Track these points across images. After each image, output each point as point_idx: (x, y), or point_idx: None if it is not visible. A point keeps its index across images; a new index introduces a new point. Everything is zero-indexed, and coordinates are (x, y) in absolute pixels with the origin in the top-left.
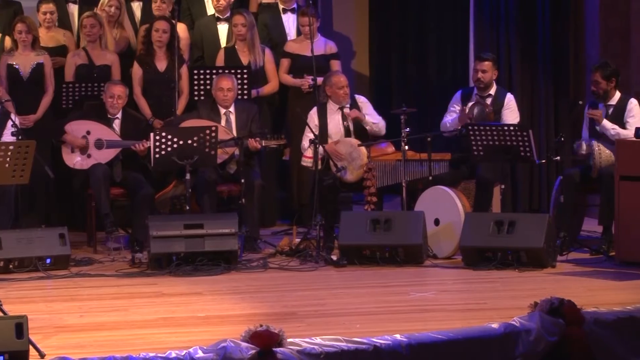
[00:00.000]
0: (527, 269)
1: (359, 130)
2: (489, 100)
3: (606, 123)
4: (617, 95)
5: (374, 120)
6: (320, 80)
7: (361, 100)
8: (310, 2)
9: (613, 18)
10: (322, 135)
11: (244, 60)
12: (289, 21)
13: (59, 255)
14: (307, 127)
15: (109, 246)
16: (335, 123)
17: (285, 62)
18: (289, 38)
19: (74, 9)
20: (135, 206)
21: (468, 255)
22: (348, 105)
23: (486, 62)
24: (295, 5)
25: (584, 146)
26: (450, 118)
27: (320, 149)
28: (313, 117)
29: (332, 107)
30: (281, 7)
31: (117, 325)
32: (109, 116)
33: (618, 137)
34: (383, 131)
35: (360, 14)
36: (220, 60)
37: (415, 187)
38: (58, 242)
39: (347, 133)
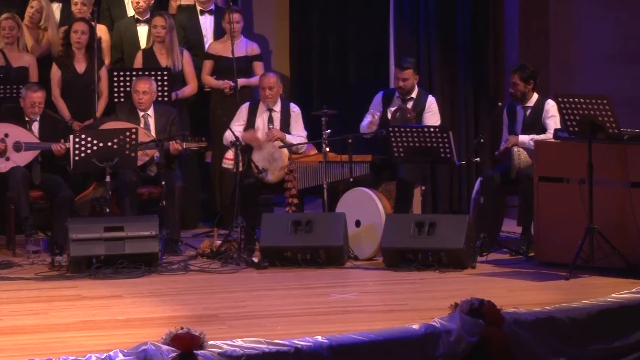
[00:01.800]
0: (447, 269)
1: None
2: (410, 103)
3: (522, 138)
4: (535, 97)
5: (294, 141)
6: (241, 82)
7: (294, 110)
8: (230, 3)
9: (532, 20)
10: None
11: (162, 62)
12: (206, 23)
13: None
14: (229, 127)
15: (28, 249)
16: (262, 123)
17: (208, 64)
18: (205, 40)
19: None
20: (54, 209)
21: (389, 256)
22: (278, 110)
23: (407, 71)
24: (212, 7)
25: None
26: (366, 121)
27: (238, 134)
28: (243, 111)
29: (262, 106)
30: (199, 8)
31: (37, 328)
32: (27, 119)
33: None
34: (301, 151)
35: (280, 16)
36: (138, 62)
37: (337, 189)
38: None
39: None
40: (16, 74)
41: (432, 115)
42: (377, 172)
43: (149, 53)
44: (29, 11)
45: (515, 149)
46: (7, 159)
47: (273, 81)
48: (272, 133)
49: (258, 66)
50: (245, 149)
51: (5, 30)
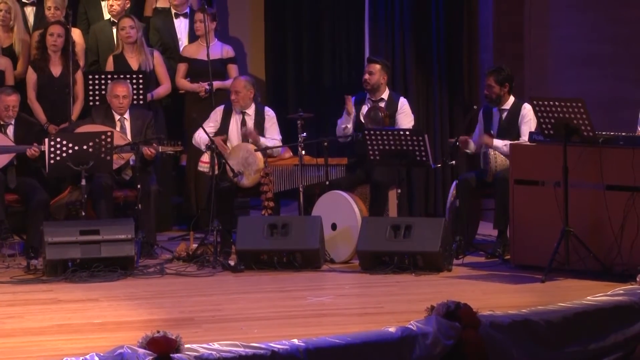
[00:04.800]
0: (423, 272)
1: None
2: (382, 104)
3: (497, 142)
4: (511, 99)
5: (268, 143)
6: (216, 84)
7: (268, 114)
8: (205, 5)
9: (506, 22)
10: (221, 134)
11: (133, 65)
12: (181, 26)
13: None
14: (202, 127)
15: (3, 253)
16: (235, 126)
17: (182, 67)
18: (180, 43)
19: None
20: (30, 212)
21: (365, 259)
22: (251, 114)
23: (373, 65)
24: (187, 10)
25: (471, 145)
26: (342, 118)
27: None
28: (218, 113)
29: (236, 110)
30: (173, 11)
31: (12, 332)
32: (2, 122)
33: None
34: (276, 155)
35: (255, 18)
36: (109, 67)
37: (312, 192)
38: None
39: (244, 138)
40: None
41: (405, 116)
42: (352, 174)
43: (119, 57)
44: None
45: (492, 152)
46: None
47: (240, 85)
48: (250, 132)
49: (233, 69)
50: (220, 153)
51: None
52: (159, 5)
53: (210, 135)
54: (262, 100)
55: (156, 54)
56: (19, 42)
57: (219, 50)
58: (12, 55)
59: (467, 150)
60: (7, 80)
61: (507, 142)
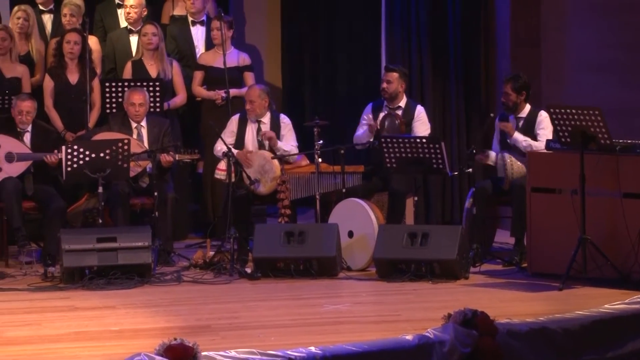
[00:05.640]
0: (440, 280)
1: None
2: (399, 112)
3: (517, 135)
4: (528, 107)
5: (285, 148)
6: (233, 92)
7: (284, 121)
8: (221, 13)
9: (523, 29)
10: (238, 144)
11: (152, 72)
12: (198, 34)
13: None
14: (220, 137)
15: (20, 260)
16: (251, 134)
17: (198, 75)
18: (197, 51)
19: None
20: (47, 220)
21: (382, 267)
22: (267, 122)
23: (391, 74)
24: (204, 18)
25: (492, 156)
26: (362, 131)
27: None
28: (233, 123)
29: (251, 118)
30: (190, 19)
31: (30, 339)
32: (19, 129)
33: (530, 148)
34: (293, 160)
35: (272, 26)
36: (127, 73)
37: (329, 200)
38: None
39: (261, 146)
40: (9, 85)
41: (421, 124)
42: (368, 182)
43: (138, 63)
44: (16, 22)
45: (508, 159)
46: (0, 169)
47: (255, 94)
48: (268, 133)
49: (249, 77)
50: (237, 160)
51: None
52: (176, 13)
53: (229, 146)
54: (278, 108)
55: (175, 64)
56: (36, 50)
57: (236, 57)
58: (30, 63)
59: (489, 163)
60: (24, 88)
61: (528, 139)
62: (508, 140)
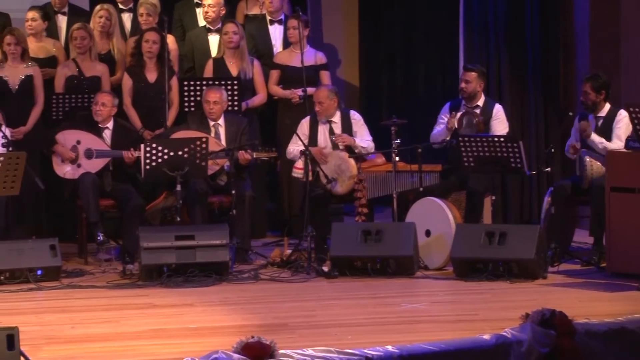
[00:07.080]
0: (518, 280)
1: None
2: (477, 111)
3: (594, 137)
4: (607, 107)
5: (363, 145)
6: (310, 91)
7: (355, 117)
8: (299, 12)
9: (603, 28)
10: (312, 145)
11: (233, 71)
12: (276, 32)
13: (50, 267)
14: (295, 135)
15: (100, 258)
16: (323, 135)
17: (274, 74)
18: (275, 49)
19: (62, 20)
20: (125, 217)
21: (459, 266)
22: (338, 122)
23: (470, 73)
24: (282, 17)
25: (589, 130)
26: (439, 129)
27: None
28: (304, 125)
29: (321, 119)
30: (268, 18)
31: (108, 336)
32: (99, 126)
33: (605, 151)
34: (365, 155)
35: (349, 25)
36: (208, 71)
37: (406, 199)
38: (49, 254)
39: (335, 146)
40: (89, 84)
41: (499, 123)
42: (446, 181)
43: (219, 62)
44: (98, 21)
45: (588, 158)
46: (79, 165)
47: (323, 95)
48: (344, 139)
49: (325, 75)
50: (314, 158)
51: (77, 40)
52: (250, 12)
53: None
54: (356, 106)
55: (256, 63)
56: (117, 49)
57: (312, 56)
58: (111, 62)
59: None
60: (103, 86)
61: (604, 141)
62: (589, 158)
